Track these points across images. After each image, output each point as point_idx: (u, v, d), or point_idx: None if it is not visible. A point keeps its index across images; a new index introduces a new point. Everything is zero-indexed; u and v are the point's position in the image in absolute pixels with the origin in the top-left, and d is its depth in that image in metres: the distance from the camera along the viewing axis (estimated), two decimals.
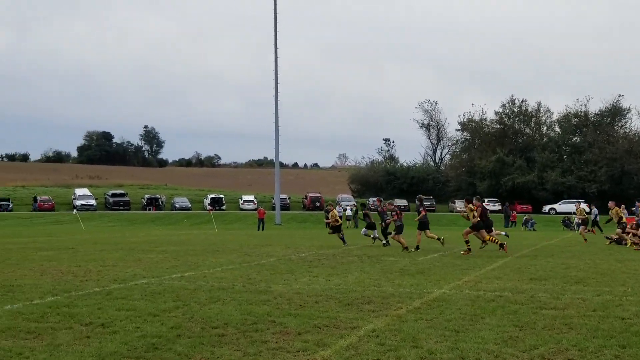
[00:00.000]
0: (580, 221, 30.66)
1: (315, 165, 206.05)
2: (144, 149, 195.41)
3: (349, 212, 54.91)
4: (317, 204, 79.18)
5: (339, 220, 25.90)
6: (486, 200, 77.70)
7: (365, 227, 26.55)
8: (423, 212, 22.65)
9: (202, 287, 12.39)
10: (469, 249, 20.76)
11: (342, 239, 25.25)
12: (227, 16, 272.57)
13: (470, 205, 21.25)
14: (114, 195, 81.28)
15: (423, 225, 22.61)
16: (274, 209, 65.54)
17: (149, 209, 78.23)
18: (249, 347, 7.55)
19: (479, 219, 20.93)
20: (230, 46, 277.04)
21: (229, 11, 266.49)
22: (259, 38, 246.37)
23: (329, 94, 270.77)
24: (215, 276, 14.39)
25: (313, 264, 17.22)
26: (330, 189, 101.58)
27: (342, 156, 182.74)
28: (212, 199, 79.78)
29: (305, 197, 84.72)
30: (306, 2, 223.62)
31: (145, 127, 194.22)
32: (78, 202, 74.83)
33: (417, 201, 23.59)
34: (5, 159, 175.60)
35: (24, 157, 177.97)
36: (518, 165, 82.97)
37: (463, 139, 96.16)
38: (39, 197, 78.64)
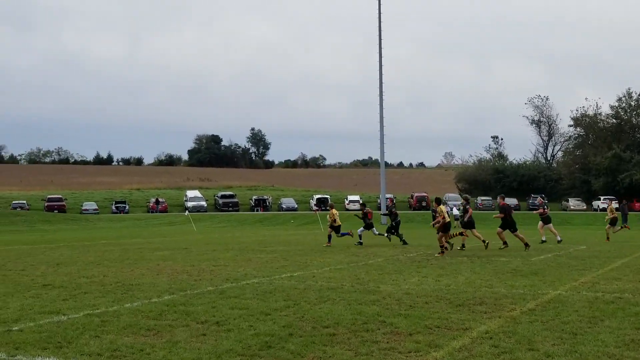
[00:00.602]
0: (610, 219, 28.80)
1: (421, 165, 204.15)
2: (251, 150, 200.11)
3: (456, 212, 54.01)
4: (424, 204, 78.47)
5: (337, 220, 25.42)
6: (602, 198, 74.63)
7: (364, 227, 25.68)
8: (470, 212, 23.07)
9: (312, 287, 12.56)
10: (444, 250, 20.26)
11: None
12: (330, 17, 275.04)
13: (442, 207, 21.24)
14: (223, 196, 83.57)
15: (469, 225, 22.70)
16: (379, 209, 65.45)
17: (257, 210, 79.95)
18: (360, 346, 7.59)
19: (441, 220, 20.53)
20: (333, 47, 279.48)
21: (332, 12, 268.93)
22: (362, 38, 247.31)
23: (434, 92, 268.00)
24: (324, 276, 14.54)
25: (421, 264, 17.08)
26: (436, 188, 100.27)
27: (448, 155, 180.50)
28: (317, 199, 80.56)
29: (411, 197, 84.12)
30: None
31: (252, 129, 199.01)
32: (189, 204, 77.51)
33: (463, 201, 23.93)
34: (121, 163, 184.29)
35: (139, 161, 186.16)
36: (636, 162, 79.02)
37: (576, 135, 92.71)
38: (152, 199, 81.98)
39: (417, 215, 69.35)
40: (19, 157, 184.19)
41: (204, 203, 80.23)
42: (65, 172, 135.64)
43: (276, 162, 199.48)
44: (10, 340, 8.12)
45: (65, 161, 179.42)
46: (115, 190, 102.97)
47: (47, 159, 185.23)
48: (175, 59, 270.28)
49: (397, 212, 27.29)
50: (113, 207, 78.06)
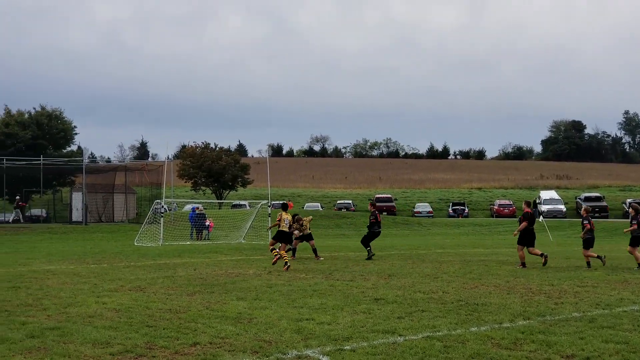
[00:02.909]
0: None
1: None
2: (624, 140, 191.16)
3: None
4: None
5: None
6: None
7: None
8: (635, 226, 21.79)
9: None
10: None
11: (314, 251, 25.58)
12: None
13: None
14: (587, 199, 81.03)
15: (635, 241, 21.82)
16: None
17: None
18: None
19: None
20: None
21: None
22: None
23: None
24: None
25: None
26: None
27: None
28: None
29: None
30: None
31: (625, 112, 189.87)
32: (544, 207, 76.53)
33: (631, 210, 22.17)
34: (459, 157, 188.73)
35: (480, 155, 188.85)
36: None
37: None
38: (498, 201, 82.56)
39: None
40: (343, 150, 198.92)
41: (562, 207, 78.60)
42: (394, 167, 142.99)
43: None
44: None
45: (394, 154, 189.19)
46: (452, 189, 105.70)
47: (375, 152, 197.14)
48: (528, 28, 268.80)
49: None
50: (450, 210, 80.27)
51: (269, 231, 35.14)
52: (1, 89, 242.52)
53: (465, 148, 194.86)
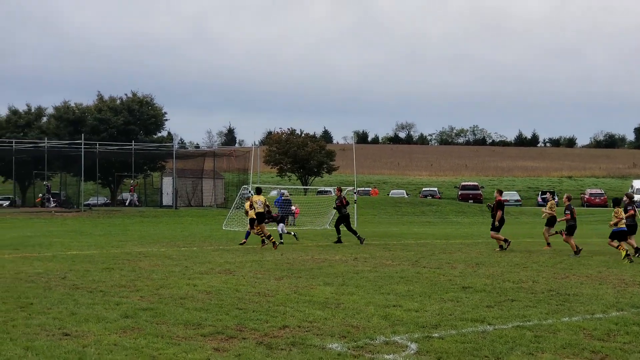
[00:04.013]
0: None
1: None
2: None
3: None
4: None
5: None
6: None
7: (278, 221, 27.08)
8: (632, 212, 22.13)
9: None
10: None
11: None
12: None
13: None
14: None
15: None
16: None
17: None
18: None
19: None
20: None
21: None
22: None
23: None
24: None
25: None
26: None
27: None
28: None
29: None
30: None
31: None
32: (637, 197, 74.43)
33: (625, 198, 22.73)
34: (548, 145, 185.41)
35: (570, 142, 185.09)
36: None
37: None
38: (589, 190, 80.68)
39: None
40: (429, 137, 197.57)
41: None
42: (481, 154, 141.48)
43: None
44: (431, 349, 8.77)
45: (481, 142, 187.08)
46: (541, 177, 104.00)
47: (461, 140, 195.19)
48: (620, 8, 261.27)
49: None
50: (539, 199, 78.87)
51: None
52: (94, 76, 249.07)
53: (555, 136, 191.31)
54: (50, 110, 75.00)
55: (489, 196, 79.56)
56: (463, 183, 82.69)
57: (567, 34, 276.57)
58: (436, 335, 9.53)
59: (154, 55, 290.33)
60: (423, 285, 14.35)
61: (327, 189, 69.04)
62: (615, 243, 20.98)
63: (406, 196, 76.48)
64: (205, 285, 14.06)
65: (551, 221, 25.38)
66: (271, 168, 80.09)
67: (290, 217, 43.67)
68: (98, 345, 8.75)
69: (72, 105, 73.30)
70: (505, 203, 25.53)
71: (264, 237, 24.63)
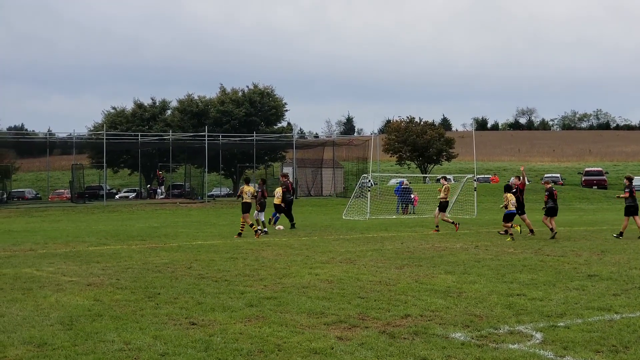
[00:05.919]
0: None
1: None
2: None
3: None
4: None
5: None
6: None
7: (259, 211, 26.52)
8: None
9: None
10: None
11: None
12: None
13: None
14: None
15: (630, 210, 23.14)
16: None
17: None
18: None
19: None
20: None
21: None
22: None
23: None
24: None
25: None
26: None
27: None
28: None
29: None
30: None
31: None
32: None
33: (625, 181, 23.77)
34: None
35: None
36: None
37: None
38: None
39: None
40: (550, 123, 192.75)
41: None
42: (605, 139, 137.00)
43: None
44: (556, 338, 8.57)
45: (605, 126, 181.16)
46: None
47: (584, 124, 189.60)
48: None
49: None
50: None
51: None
52: (216, 69, 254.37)
53: None
54: (174, 104, 77.27)
55: (613, 182, 77.01)
56: (587, 169, 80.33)
57: None
58: (562, 324, 9.31)
59: (273, 46, 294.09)
60: (547, 274, 14.04)
61: (447, 176, 68.23)
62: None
63: (527, 182, 74.88)
64: (327, 274, 14.18)
65: None
66: (390, 156, 79.92)
67: (410, 206, 43.53)
68: (224, 334, 8.95)
69: (196, 97, 75.29)
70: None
71: (257, 228, 24.91)
